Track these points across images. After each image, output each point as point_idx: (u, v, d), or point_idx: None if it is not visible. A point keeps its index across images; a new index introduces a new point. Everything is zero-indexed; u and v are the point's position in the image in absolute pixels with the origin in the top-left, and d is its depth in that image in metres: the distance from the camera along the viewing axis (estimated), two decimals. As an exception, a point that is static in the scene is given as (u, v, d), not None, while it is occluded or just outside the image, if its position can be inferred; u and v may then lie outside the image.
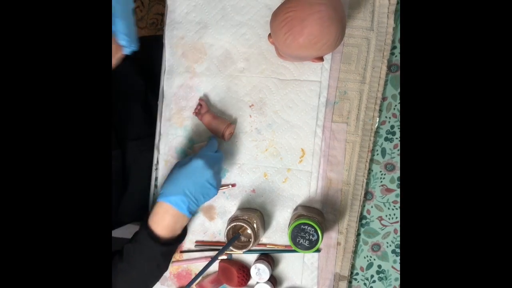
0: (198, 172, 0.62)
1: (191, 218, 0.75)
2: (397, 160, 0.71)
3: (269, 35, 0.64)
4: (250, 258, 0.75)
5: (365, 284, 0.74)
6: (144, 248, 0.62)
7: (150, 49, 0.78)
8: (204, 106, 0.73)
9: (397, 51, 0.69)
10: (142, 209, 0.77)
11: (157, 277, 0.68)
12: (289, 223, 0.69)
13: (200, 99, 0.74)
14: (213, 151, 0.67)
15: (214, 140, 0.70)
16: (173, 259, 0.77)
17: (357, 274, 0.74)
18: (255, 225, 0.68)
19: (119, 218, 0.76)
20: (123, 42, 0.58)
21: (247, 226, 0.66)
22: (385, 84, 0.70)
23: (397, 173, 0.71)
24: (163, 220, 0.63)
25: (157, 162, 0.77)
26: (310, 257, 0.73)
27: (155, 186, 0.77)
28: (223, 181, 0.75)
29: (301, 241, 0.65)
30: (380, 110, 0.70)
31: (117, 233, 0.79)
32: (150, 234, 0.62)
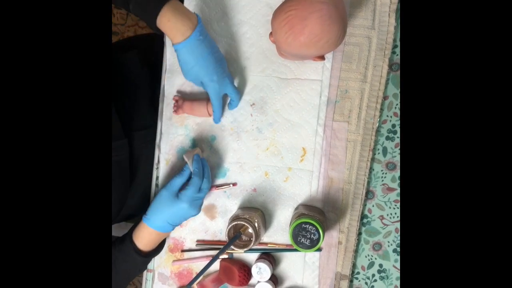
0: (182, 211, 0.67)
1: (193, 217, 0.75)
2: (398, 159, 0.71)
3: (270, 34, 0.64)
4: (251, 257, 0.75)
5: (366, 283, 0.74)
6: (128, 257, 0.69)
7: (156, 45, 0.79)
8: (179, 99, 0.73)
9: (398, 50, 0.69)
10: (148, 203, 0.78)
11: (136, 275, 0.75)
12: (290, 222, 0.69)
13: (174, 96, 0.74)
14: (197, 190, 0.67)
15: (196, 179, 0.67)
16: (174, 258, 0.77)
17: (358, 273, 0.74)
18: (256, 224, 0.68)
19: (127, 211, 0.78)
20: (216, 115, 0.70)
21: (248, 225, 0.66)
22: (386, 83, 0.70)
23: (398, 172, 0.71)
24: (146, 239, 0.69)
25: (158, 161, 0.77)
26: (311, 256, 0.73)
27: (156, 185, 0.77)
28: (224, 180, 0.75)
29: (302, 240, 0.65)
30: (381, 109, 0.70)
31: (117, 233, 0.80)
32: (135, 248, 0.69)
